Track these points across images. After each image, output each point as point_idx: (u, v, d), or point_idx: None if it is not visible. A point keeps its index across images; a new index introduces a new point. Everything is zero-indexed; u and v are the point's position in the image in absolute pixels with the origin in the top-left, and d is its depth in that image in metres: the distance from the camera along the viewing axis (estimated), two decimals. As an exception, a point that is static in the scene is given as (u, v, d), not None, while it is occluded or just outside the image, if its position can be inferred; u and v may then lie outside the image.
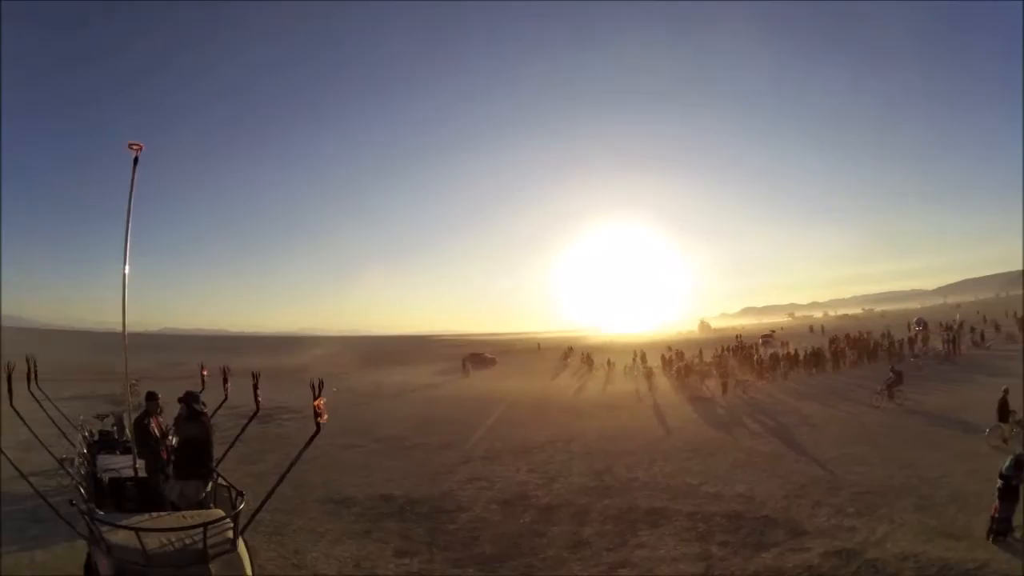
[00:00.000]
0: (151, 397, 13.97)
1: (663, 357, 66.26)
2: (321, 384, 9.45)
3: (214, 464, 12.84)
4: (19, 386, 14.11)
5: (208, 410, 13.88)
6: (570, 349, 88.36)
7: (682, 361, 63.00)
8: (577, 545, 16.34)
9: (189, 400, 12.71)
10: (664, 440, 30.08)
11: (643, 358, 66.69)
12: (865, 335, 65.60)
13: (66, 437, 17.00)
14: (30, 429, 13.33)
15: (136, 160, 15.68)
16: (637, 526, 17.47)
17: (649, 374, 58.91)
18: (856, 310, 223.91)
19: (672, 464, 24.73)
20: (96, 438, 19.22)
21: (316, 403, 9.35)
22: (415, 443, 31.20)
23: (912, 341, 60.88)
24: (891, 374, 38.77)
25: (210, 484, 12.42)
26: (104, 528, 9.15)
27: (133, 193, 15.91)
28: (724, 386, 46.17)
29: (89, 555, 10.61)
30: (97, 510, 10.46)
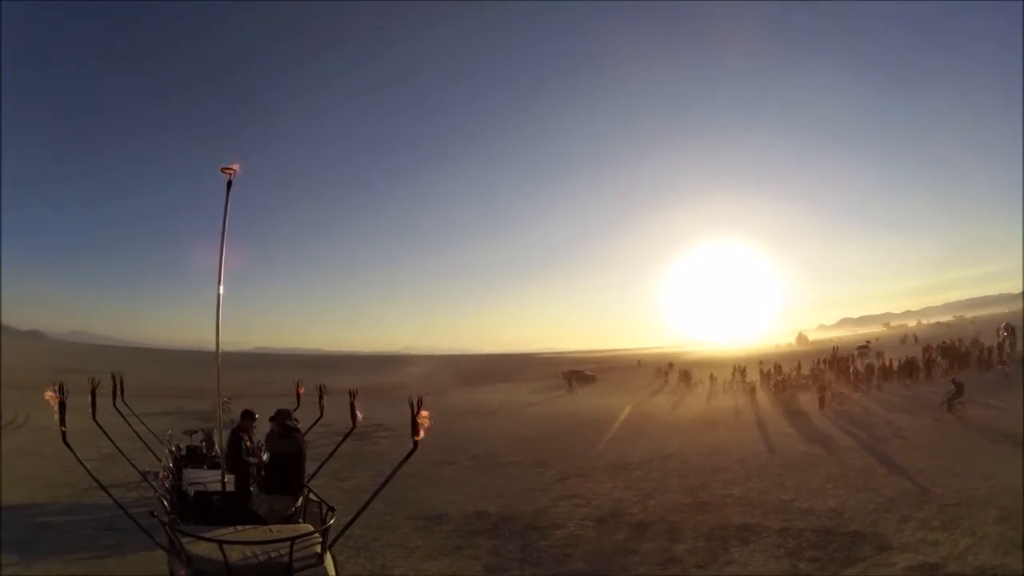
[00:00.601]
0: (247, 415, 14.14)
1: (761, 371, 65.54)
2: (420, 401, 9.41)
3: (305, 480, 12.92)
4: (105, 402, 14.49)
5: (302, 427, 14.26)
6: (670, 365, 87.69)
7: (780, 375, 62.21)
8: (668, 562, 16.31)
9: (281, 417, 12.89)
10: (760, 455, 29.93)
11: (742, 372, 66.32)
12: (957, 343, 64.17)
13: (151, 451, 17.34)
14: (112, 442, 13.59)
15: (229, 184, 16.10)
16: (728, 543, 17.42)
17: (749, 389, 58.34)
18: (948, 317, 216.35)
19: (766, 480, 24.59)
20: (184, 453, 19.58)
21: (421, 416, 9.33)
22: (511, 460, 31.41)
23: (1000, 347, 58.92)
24: (952, 386, 38.19)
25: (300, 499, 12.51)
26: (186, 540, 9.16)
27: (228, 215, 16.36)
28: (821, 400, 45.45)
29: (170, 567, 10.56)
30: (179, 521, 10.55)
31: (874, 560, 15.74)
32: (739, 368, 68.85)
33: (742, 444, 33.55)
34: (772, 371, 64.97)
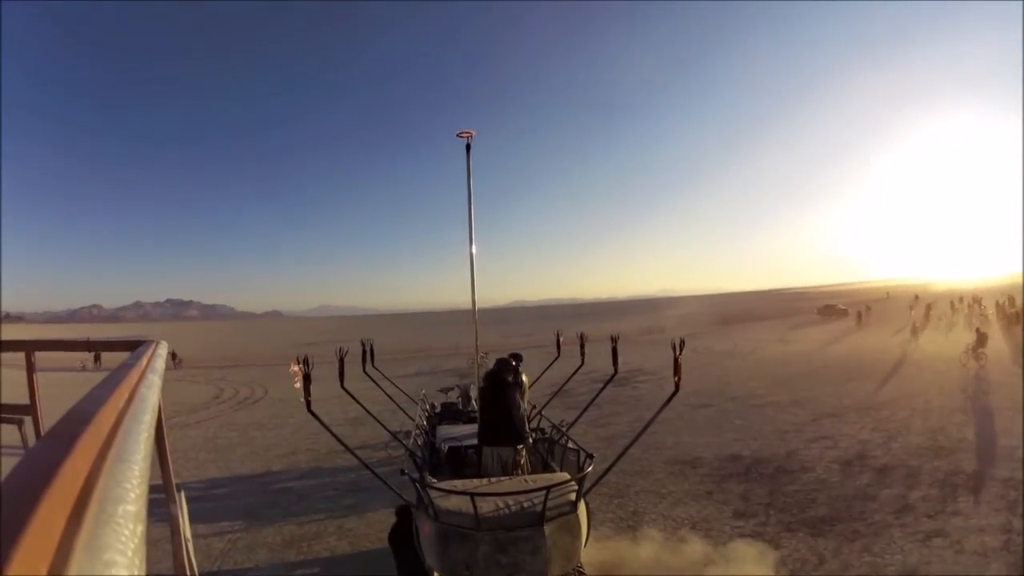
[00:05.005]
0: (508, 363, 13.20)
1: (997, 304, 62.23)
2: (683, 344, 9.13)
3: (526, 430, 12.04)
4: (354, 369, 14.10)
5: (562, 375, 14.65)
6: (916, 298, 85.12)
7: (1013, 308, 58.36)
8: (903, 510, 15.86)
9: (499, 367, 12.30)
10: (995, 395, 28.99)
11: (979, 304, 64.70)
12: None
13: (403, 411, 16.89)
14: (361, 405, 13.26)
15: (468, 147, 16.84)
16: (957, 491, 16.89)
17: (989, 324, 55.07)
18: None
19: (998, 424, 23.72)
20: (438, 410, 18.89)
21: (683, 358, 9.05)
22: (767, 401, 31.39)
23: None
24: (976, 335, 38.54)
25: (523, 449, 11.59)
26: (435, 494, 8.79)
27: (471, 177, 17.04)
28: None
29: (397, 522, 10.87)
30: (429, 476, 9.99)
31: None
32: (974, 302, 66.45)
33: (980, 384, 32.67)
34: (1006, 304, 60.86)
